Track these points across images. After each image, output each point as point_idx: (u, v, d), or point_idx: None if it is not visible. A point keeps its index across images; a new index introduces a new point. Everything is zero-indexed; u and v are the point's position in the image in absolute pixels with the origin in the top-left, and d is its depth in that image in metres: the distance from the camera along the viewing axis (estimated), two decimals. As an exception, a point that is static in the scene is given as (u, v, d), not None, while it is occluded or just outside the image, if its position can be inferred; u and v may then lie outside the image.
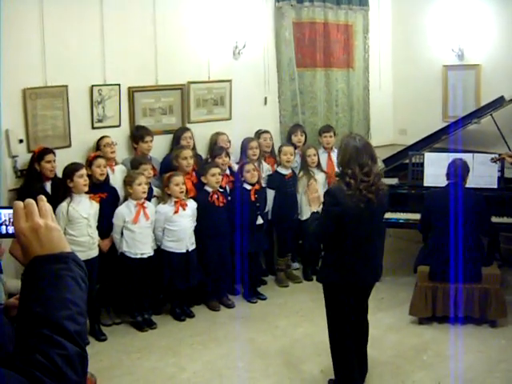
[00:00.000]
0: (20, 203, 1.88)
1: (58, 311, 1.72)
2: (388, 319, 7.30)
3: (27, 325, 1.71)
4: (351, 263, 5.21)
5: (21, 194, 6.97)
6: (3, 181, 7.07)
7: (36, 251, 1.82)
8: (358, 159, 5.06)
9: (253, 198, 7.93)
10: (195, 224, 7.56)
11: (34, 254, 1.82)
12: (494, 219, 7.49)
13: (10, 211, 1.92)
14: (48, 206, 1.91)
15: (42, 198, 1.92)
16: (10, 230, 1.94)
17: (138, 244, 7.17)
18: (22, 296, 1.80)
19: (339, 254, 5.23)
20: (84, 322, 1.78)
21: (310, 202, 5.57)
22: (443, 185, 7.23)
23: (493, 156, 7.86)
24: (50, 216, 1.89)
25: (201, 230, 7.62)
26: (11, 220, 1.92)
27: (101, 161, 7.19)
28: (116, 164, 7.69)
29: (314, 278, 7.94)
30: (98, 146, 7.59)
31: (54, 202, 6.56)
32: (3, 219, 1.96)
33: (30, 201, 1.89)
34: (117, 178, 7.45)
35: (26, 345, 1.67)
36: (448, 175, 7.16)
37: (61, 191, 6.80)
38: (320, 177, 8.50)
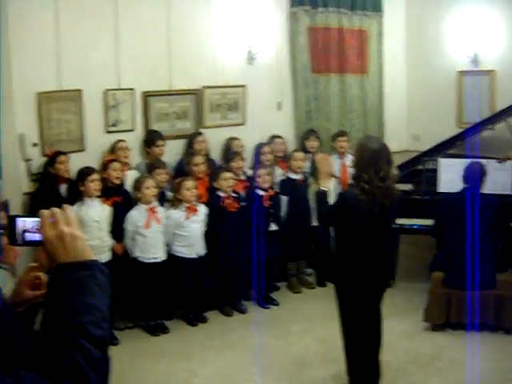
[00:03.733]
0: (47, 212, 1.95)
1: (83, 316, 1.77)
2: (402, 325, 7.26)
3: (52, 329, 1.76)
4: (363, 265, 5.17)
5: (35, 198, 7.02)
6: (18, 185, 7.09)
7: (62, 259, 1.88)
8: (374, 163, 4.96)
9: (266, 204, 7.92)
10: (205, 229, 7.56)
11: (59, 261, 1.88)
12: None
13: (36, 219, 1.99)
14: (73, 215, 1.96)
15: (68, 206, 2.00)
16: (36, 237, 2.00)
17: (151, 248, 7.18)
18: (47, 301, 1.86)
19: (351, 255, 5.20)
20: (107, 328, 1.82)
21: (320, 175, 5.44)
22: (457, 190, 7.19)
23: (502, 156, 7.84)
24: (76, 224, 1.93)
25: (213, 235, 7.62)
26: (37, 228, 1.99)
27: (116, 164, 7.22)
28: (129, 169, 7.70)
29: (327, 283, 7.92)
30: (112, 149, 7.61)
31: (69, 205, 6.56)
32: (29, 227, 2.02)
33: (56, 209, 1.95)
34: (129, 183, 7.45)
35: (50, 348, 1.71)
36: (464, 179, 7.10)
37: (76, 195, 6.83)
38: (331, 183, 8.47)
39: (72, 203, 6.66)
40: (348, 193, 5.25)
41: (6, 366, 1.69)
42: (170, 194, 7.67)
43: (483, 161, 7.60)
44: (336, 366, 6.09)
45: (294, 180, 8.41)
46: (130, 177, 7.51)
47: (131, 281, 7.22)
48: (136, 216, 7.15)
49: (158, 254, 7.23)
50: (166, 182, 7.62)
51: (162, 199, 7.41)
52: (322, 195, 5.43)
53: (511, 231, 7.37)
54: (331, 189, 8.13)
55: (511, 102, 8.40)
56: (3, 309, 1.88)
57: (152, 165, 7.63)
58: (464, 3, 9.60)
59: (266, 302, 8.03)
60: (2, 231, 2.11)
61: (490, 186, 7.42)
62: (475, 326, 6.85)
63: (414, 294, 7.95)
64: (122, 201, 7.23)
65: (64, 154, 7.09)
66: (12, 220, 2.04)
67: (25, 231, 2.02)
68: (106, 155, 7.55)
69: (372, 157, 5.00)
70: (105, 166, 7.22)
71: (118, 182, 7.22)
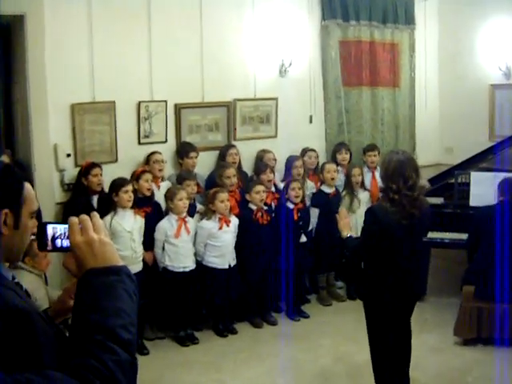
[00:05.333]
0: (75, 219, 2.01)
1: (112, 320, 1.81)
2: (432, 340, 7.21)
3: (82, 331, 1.80)
4: (393, 280, 5.14)
5: (67, 207, 7.09)
6: (51, 194, 7.18)
7: (90, 264, 1.93)
8: (402, 173, 4.98)
9: (295, 217, 7.93)
10: (236, 240, 7.59)
11: (88, 266, 1.93)
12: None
13: (66, 226, 2.04)
14: (101, 222, 2.01)
15: (96, 214, 2.06)
16: (65, 243, 2.06)
17: (181, 257, 7.22)
18: (76, 305, 1.90)
19: (381, 270, 5.18)
20: (135, 332, 1.86)
21: (341, 227, 5.49)
22: (488, 204, 7.15)
23: None
24: (103, 231, 1.99)
25: (244, 247, 7.65)
26: (66, 234, 2.05)
27: (148, 175, 7.28)
28: (162, 180, 7.75)
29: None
30: (147, 160, 7.66)
31: (100, 216, 6.62)
32: (59, 233, 2.09)
33: (85, 217, 2.01)
34: (162, 195, 7.49)
35: (80, 349, 1.75)
36: (499, 193, 7.07)
37: (107, 205, 6.88)
38: (363, 196, 8.48)
39: (103, 214, 6.73)
40: (377, 207, 5.24)
41: (34, 366, 1.73)
42: (200, 206, 7.71)
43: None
44: (364, 381, 6.06)
45: (327, 193, 8.42)
46: (163, 188, 7.56)
47: (161, 291, 7.25)
48: (166, 225, 7.20)
49: (187, 264, 7.27)
50: (195, 194, 7.65)
51: (190, 210, 7.44)
52: (349, 239, 5.46)
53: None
54: (363, 201, 8.20)
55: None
56: (33, 313, 1.91)
57: (181, 176, 7.67)
58: (496, 16, 9.59)
59: (296, 314, 8.02)
60: (33, 237, 2.15)
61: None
62: (506, 341, 6.79)
63: (444, 309, 7.89)
64: (152, 211, 7.28)
65: (99, 166, 7.16)
66: (42, 226, 2.09)
67: (54, 238, 2.08)
68: (140, 167, 7.60)
69: (399, 167, 5.02)
70: (137, 177, 7.27)
71: (148, 193, 7.28)
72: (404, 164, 5.03)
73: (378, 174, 8.40)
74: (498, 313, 6.81)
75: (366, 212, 5.29)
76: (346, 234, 5.41)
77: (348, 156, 9.03)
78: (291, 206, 7.93)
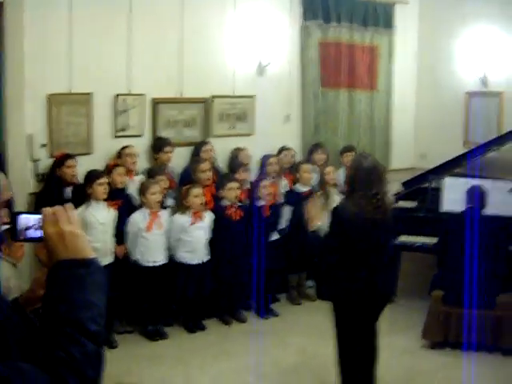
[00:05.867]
0: (49, 209, 2.00)
1: (80, 312, 1.82)
2: (400, 342, 7.26)
3: (51, 322, 1.80)
4: (358, 281, 5.19)
5: (40, 198, 7.06)
6: (24, 184, 7.14)
7: (61, 255, 1.93)
8: (367, 180, 5.10)
9: (266, 214, 7.94)
10: (210, 235, 7.59)
11: (59, 257, 1.93)
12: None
13: (39, 216, 2.03)
14: (75, 214, 2.01)
15: (70, 205, 2.04)
16: (38, 234, 2.04)
17: (152, 252, 7.22)
18: (46, 296, 1.91)
19: (346, 271, 5.22)
20: (103, 324, 1.87)
21: (310, 219, 5.54)
22: (460, 210, 7.23)
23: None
24: (76, 223, 1.99)
25: (216, 243, 7.66)
26: (39, 225, 2.03)
27: (120, 169, 7.27)
28: (136, 174, 7.74)
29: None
30: (119, 154, 7.64)
31: (74, 207, 6.61)
32: (32, 224, 2.07)
33: (59, 208, 2.00)
34: (135, 188, 7.48)
35: (49, 342, 1.76)
36: (467, 200, 7.16)
37: (81, 197, 6.86)
38: (337, 197, 8.49)
39: (76, 205, 6.70)
40: (342, 207, 5.30)
41: (2, 357, 1.73)
42: (171, 201, 7.71)
43: (487, 182, 7.64)
44: (331, 379, 6.07)
45: (299, 192, 8.44)
46: (137, 182, 7.55)
47: (131, 284, 7.24)
48: (138, 218, 7.20)
49: (157, 258, 7.27)
50: (166, 189, 7.64)
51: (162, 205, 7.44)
52: (314, 234, 5.51)
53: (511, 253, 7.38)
54: (337, 201, 8.20)
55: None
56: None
57: (153, 171, 7.68)
58: (476, 23, 9.65)
59: (265, 312, 8.05)
60: (6, 227, 2.15)
61: (493, 208, 7.44)
62: (473, 346, 6.86)
63: (413, 312, 7.94)
64: (123, 204, 7.27)
65: (73, 157, 7.13)
66: (14, 216, 2.09)
67: (27, 228, 2.07)
68: (113, 160, 7.59)
69: (366, 174, 5.14)
70: (109, 170, 7.25)
71: (122, 186, 7.27)
72: (370, 171, 5.15)
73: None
74: (465, 318, 6.88)
75: (331, 212, 5.35)
76: (313, 226, 5.45)
77: (324, 156, 9.06)
78: (262, 203, 7.95)
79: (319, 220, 5.51)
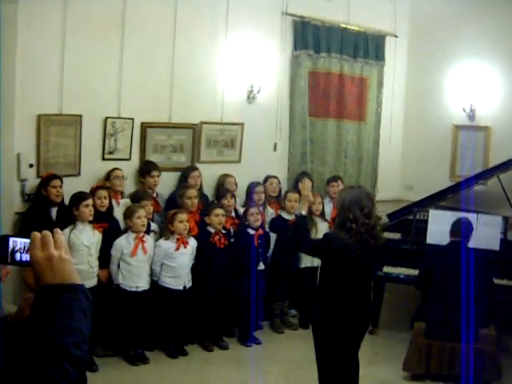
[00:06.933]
0: (37, 234, 2.00)
1: (65, 337, 1.82)
2: (381, 373, 7.26)
3: (35, 346, 1.80)
4: (344, 308, 5.20)
5: (26, 218, 7.04)
6: (10, 204, 7.12)
7: (48, 280, 1.93)
8: (358, 202, 5.15)
9: (256, 243, 7.96)
10: (193, 262, 7.59)
11: (46, 282, 1.93)
12: (495, 281, 7.48)
13: (27, 240, 2.04)
14: (63, 239, 2.02)
15: (58, 230, 2.05)
16: (25, 257, 2.05)
17: (134, 277, 7.19)
18: (31, 320, 1.90)
19: (333, 299, 5.23)
20: (87, 350, 1.87)
21: (302, 200, 5.63)
22: (445, 243, 7.26)
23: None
24: (64, 248, 2.00)
25: (200, 270, 7.64)
26: (26, 248, 2.04)
27: (102, 192, 7.25)
28: (122, 197, 7.73)
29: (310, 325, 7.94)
30: (108, 176, 7.65)
31: (59, 228, 6.60)
32: (19, 247, 2.07)
33: (47, 232, 2.00)
34: (121, 211, 7.47)
35: (31, 365, 1.75)
36: (452, 233, 7.20)
37: (66, 218, 6.85)
38: (323, 226, 8.51)
39: (62, 226, 6.69)
40: (334, 235, 5.31)
41: None
42: (154, 226, 7.71)
43: (472, 215, 7.68)
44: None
45: (286, 220, 8.46)
46: (122, 205, 7.55)
47: (114, 308, 7.21)
48: (123, 243, 7.18)
49: (140, 284, 7.24)
50: (152, 213, 7.64)
51: (147, 230, 7.43)
52: (303, 219, 5.54)
53: (494, 287, 7.41)
54: (322, 231, 8.22)
55: (505, 158, 8.50)
56: None
57: (138, 195, 7.67)
58: (464, 58, 9.75)
59: (248, 340, 8.02)
60: None
61: (477, 241, 7.49)
62: (455, 379, 6.85)
63: (395, 343, 7.95)
64: (108, 228, 7.25)
65: (59, 178, 7.12)
66: (4, 239, 2.09)
67: (15, 251, 2.07)
68: (100, 182, 7.59)
69: (355, 198, 5.20)
70: (92, 193, 7.24)
71: (102, 209, 7.22)
72: (359, 195, 5.23)
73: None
74: (447, 351, 6.88)
75: (322, 238, 5.37)
76: (303, 210, 5.52)
77: (310, 186, 9.08)
78: (252, 232, 7.96)
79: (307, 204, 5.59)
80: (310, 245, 5.54)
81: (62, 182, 7.13)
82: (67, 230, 6.73)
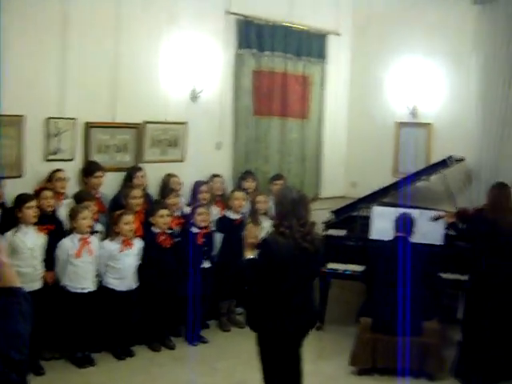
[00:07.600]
0: None
1: (5, 341, 1.79)
2: (328, 368, 7.32)
3: None
4: (284, 311, 5.18)
5: (-33, 220, 6.92)
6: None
7: None
8: (295, 212, 5.14)
9: (200, 242, 7.95)
10: (139, 262, 7.56)
11: None
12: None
13: None
14: (2, 243, 2.00)
15: None
16: None
17: (80, 278, 7.13)
18: None
19: (272, 301, 5.22)
20: (27, 353, 1.85)
21: (246, 246, 5.56)
22: (389, 238, 7.35)
23: (434, 214, 8.05)
24: (4, 252, 1.97)
25: (146, 270, 7.62)
26: None
27: (47, 193, 7.17)
28: (65, 198, 7.64)
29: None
30: (50, 177, 7.55)
31: (1, 231, 6.53)
32: None
33: None
34: (64, 212, 7.40)
35: None
36: (395, 228, 7.30)
37: (8, 220, 6.75)
38: (267, 224, 8.53)
39: (4, 229, 6.61)
40: (271, 238, 5.30)
41: None
42: (100, 226, 7.66)
43: (415, 211, 7.79)
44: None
45: (232, 219, 8.48)
46: (65, 206, 7.47)
47: (59, 310, 7.13)
48: (68, 244, 7.11)
49: (86, 285, 7.18)
50: (96, 214, 7.57)
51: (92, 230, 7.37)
52: (250, 261, 5.48)
53: (439, 280, 7.52)
54: (266, 229, 8.23)
55: (446, 155, 8.64)
56: None
57: (81, 195, 7.58)
58: (407, 55, 9.84)
59: (195, 339, 8.02)
60: None
61: (420, 236, 7.60)
62: (400, 372, 6.94)
63: (342, 338, 8.02)
64: (54, 229, 7.18)
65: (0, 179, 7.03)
66: None
67: None
68: (43, 183, 7.50)
69: (292, 206, 5.18)
70: (36, 194, 7.15)
71: (49, 210, 7.15)
72: (297, 204, 5.20)
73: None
74: (393, 344, 6.96)
75: (260, 243, 5.37)
76: (249, 255, 5.45)
77: (254, 184, 9.12)
78: (196, 230, 7.96)
79: (254, 250, 5.50)
80: (255, 272, 5.44)
81: (2, 184, 7.02)
82: (10, 233, 6.65)
